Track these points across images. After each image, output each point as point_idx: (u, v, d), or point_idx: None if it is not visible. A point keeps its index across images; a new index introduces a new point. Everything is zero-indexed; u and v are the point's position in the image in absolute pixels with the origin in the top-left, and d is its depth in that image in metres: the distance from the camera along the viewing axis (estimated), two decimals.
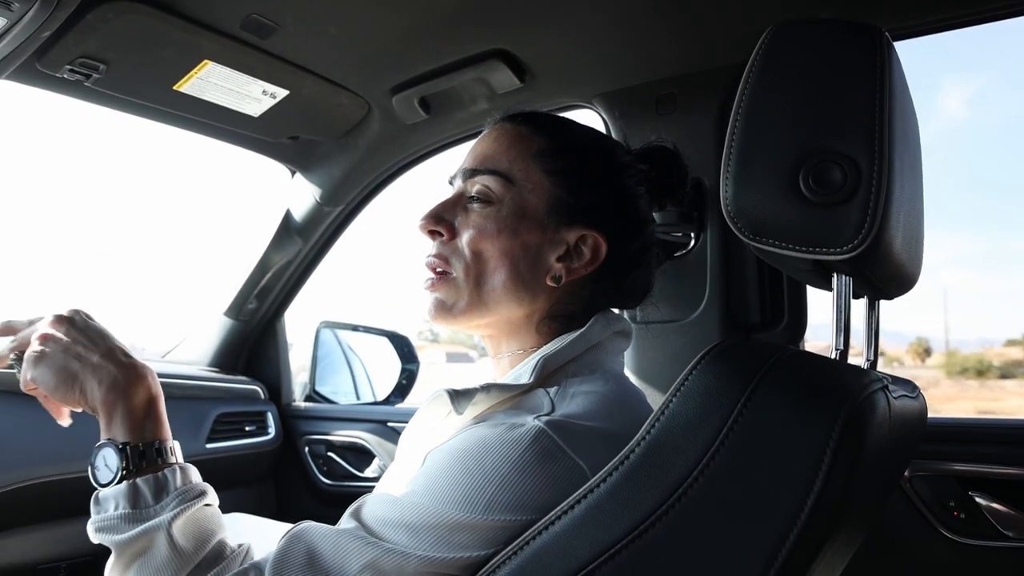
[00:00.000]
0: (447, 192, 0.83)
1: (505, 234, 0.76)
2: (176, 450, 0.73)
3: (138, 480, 0.69)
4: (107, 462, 0.70)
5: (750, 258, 1.19)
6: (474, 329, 0.82)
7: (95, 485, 0.70)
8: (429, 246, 0.81)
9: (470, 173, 0.80)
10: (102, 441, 0.71)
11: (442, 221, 0.80)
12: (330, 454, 1.84)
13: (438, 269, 0.80)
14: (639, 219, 0.82)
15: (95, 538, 0.68)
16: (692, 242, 1.23)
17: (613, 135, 1.30)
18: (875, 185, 0.56)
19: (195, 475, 0.73)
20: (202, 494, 0.71)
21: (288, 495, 1.88)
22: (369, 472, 1.80)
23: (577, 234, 0.78)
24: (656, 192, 0.86)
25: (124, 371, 0.73)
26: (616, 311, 0.83)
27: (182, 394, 1.66)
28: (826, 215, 0.57)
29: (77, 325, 0.76)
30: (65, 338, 0.75)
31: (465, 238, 0.78)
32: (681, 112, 1.23)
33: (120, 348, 0.76)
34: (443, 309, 0.79)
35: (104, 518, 0.68)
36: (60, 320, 0.76)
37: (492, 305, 0.78)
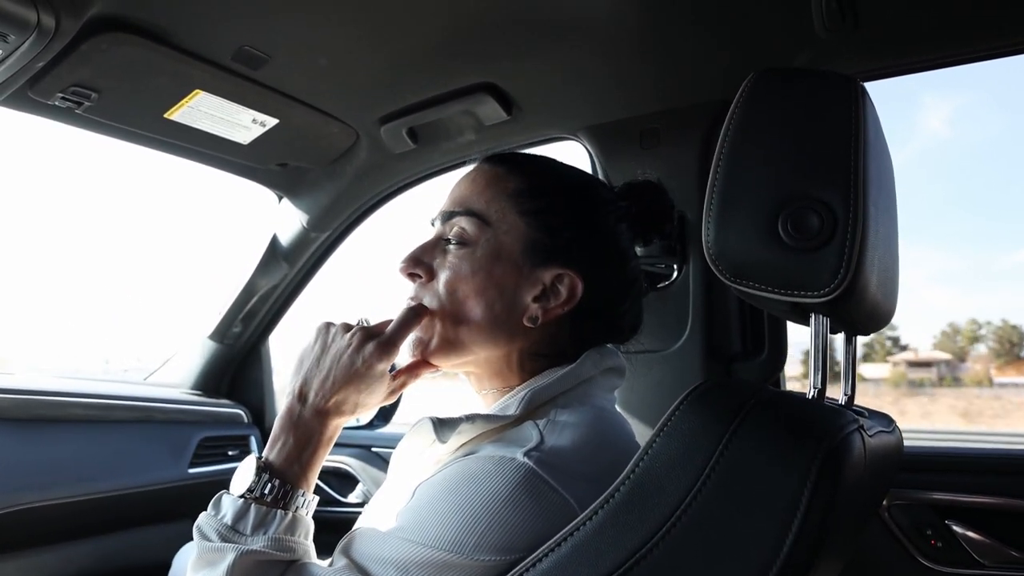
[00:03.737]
0: (428, 233, 0.84)
1: (480, 275, 0.77)
2: (308, 504, 0.76)
3: (253, 505, 0.71)
4: (244, 473, 0.74)
5: (731, 290, 1.21)
6: (456, 368, 0.83)
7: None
8: (408, 288, 0.82)
9: (448, 215, 0.81)
10: (261, 455, 0.76)
11: (420, 263, 0.80)
12: None
13: None
14: (619, 256, 0.83)
15: (195, 530, 0.72)
16: (675, 274, 1.25)
17: (598, 168, 1.32)
18: (851, 230, 0.58)
19: (303, 532, 0.74)
20: (291, 550, 0.71)
21: None
22: (353, 498, 1.79)
23: (553, 274, 0.78)
24: (640, 228, 0.87)
25: (320, 413, 0.76)
26: (610, 347, 0.83)
27: (165, 418, 1.64)
28: (804, 259, 0.58)
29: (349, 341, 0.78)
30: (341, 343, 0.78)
31: (442, 279, 0.79)
32: (665, 146, 1.25)
33: (356, 392, 0.77)
34: (420, 346, 0.80)
35: (208, 519, 0.72)
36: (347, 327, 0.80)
37: (468, 344, 0.78)
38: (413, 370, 0.82)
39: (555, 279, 0.78)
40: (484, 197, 0.80)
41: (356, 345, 0.77)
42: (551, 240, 0.79)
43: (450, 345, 0.79)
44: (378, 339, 0.77)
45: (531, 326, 0.78)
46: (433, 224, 0.85)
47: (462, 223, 0.79)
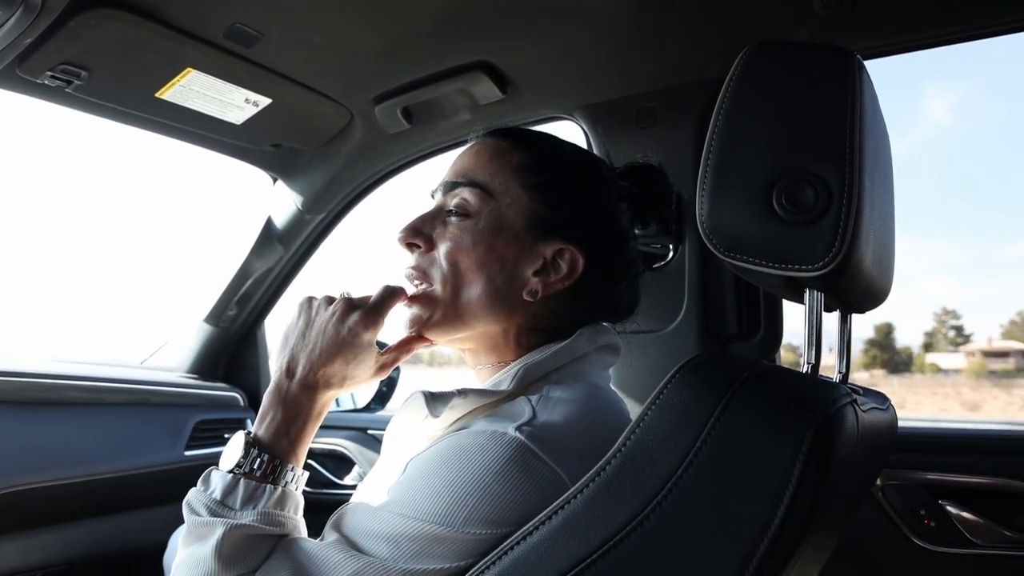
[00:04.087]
0: (428, 205, 0.84)
1: (481, 247, 0.77)
2: (298, 478, 0.75)
3: (242, 480, 0.71)
4: (233, 449, 0.74)
5: (727, 270, 1.21)
6: (452, 343, 0.83)
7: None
8: (408, 258, 0.82)
9: (450, 186, 0.81)
10: (249, 430, 0.76)
11: (420, 233, 0.80)
12: (310, 461, 1.83)
13: (416, 281, 0.80)
14: (619, 234, 0.83)
15: (185, 506, 0.72)
16: (671, 254, 1.25)
17: (594, 147, 1.32)
18: (846, 204, 0.58)
19: (292, 506, 0.74)
20: (280, 524, 0.71)
21: None
22: (349, 480, 1.80)
23: (554, 248, 0.78)
24: (639, 209, 0.87)
25: (307, 387, 0.76)
26: (605, 325, 0.83)
27: (161, 401, 1.64)
28: (798, 233, 0.58)
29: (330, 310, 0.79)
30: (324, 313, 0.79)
31: (442, 250, 0.79)
32: (661, 126, 1.25)
33: (342, 364, 0.77)
34: (419, 322, 0.79)
35: (197, 494, 0.72)
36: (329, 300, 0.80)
37: (468, 318, 0.78)
38: (405, 345, 0.82)
39: (556, 254, 0.78)
40: (488, 169, 0.80)
41: (340, 315, 0.77)
42: (553, 215, 0.79)
43: (450, 319, 0.78)
44: (362, 308, 0.77)
45: (530, 300, 0.78)
46: (433, 196, 0.84)
47: (464, 194, 0.79)
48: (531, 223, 0.78)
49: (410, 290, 0.81)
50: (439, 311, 0.79)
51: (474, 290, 0.77)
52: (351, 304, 0.78)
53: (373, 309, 0.77)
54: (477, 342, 0.81)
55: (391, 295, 0.79)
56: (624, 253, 0.83)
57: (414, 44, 1.18)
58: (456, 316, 0.78)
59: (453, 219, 0.79)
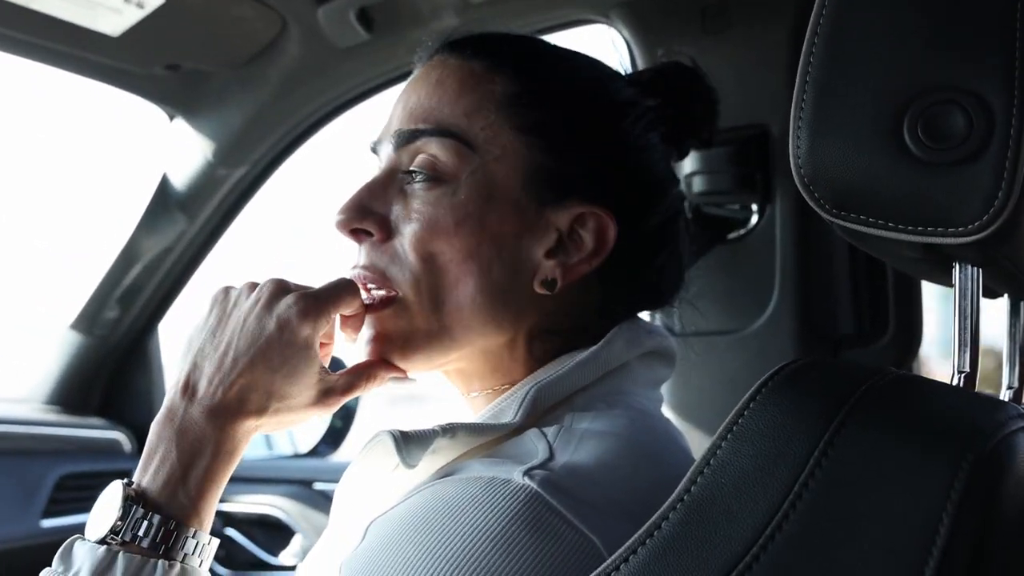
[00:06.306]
0: (373, 167, 0.83)
1: (467, 226, 0.77)
2: (203, 549, 0.74)
3: (121, 554, 0.70)
4: (107, 508, 0.72)
5: (838, 239, 1.20)
6: (435, 369, 0.83)
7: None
8: (355, 253, 0.82)
9: (406, 136, 0.80)
10: (130, 479, 0.75)
11: (369, 214, 0.79)
12: (229, 532, 1.84)
13: (371, 287, 0.79)
14: (657, 181, 0.84)
15: None
16: (754, 218, 1.26)
17: (639, 64, 1.32)
18: (1014, 135, 0.57)
19: None
20: None
21: None
22: (287, 557, 1.82)
23: (572, 214, 0.78)
24: (673, 134, 0.88)
25: (215, 411, 0.75)
26: (650, 322, 0.84)
27: (6, 447, 1.66)
28: (942, 179, 0.58)
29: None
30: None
31: (408, 236, 0.78)
32: (738, 29, 1.25)
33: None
34: (388, 348, 0.79)
35: None
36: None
37: (459, 334, 0.78)
38: (366, 371, 0.81)
39: (575, 221, 0.79)
40: (461, 107, 0.79)
41: (266, 300, 0.76)
42: (563, 166, 0.79)
43: (431, 340, 0.79)
44: (299, 292, 0.77)
45: (546, 293, 0.78)
46: (376, 152, 0.84)
47: (432, 148, 0.78)
48: (533, 181, 0.78)
49: (365, 298, 0.80)
50: (413, 328, 0.78)
51: (463, 292, 0.77)
52: (283, 286, 0.77)
53: (316, 296, 0.77)
54: (470, 362, 0.82)
55: (343, 290, 0.78)
56: (665, 206, 0.84)
57: None
58: (440, 333, 0.78)
59: (417, 187, 0.78)
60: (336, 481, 1.80)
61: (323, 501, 1.84)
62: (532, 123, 0.79)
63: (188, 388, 0.76)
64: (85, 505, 1.74)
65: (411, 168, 0.79)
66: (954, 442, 0.52)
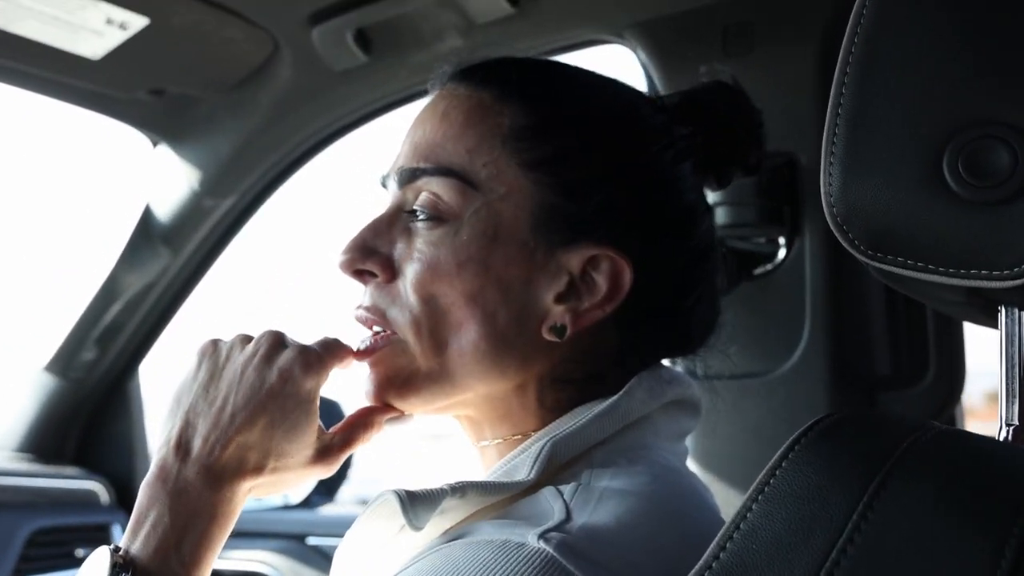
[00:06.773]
0: (381, 202, 0.85)
1: (470, 268, 0.77)
2: None
3: None
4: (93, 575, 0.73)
5: (874, 277, 1.20)
6: (439, 413, 0.84)
7: None
8: (359, 293, 0.83)
9: (408, 174, 0.81)
10: (118, 545, 0.76)
11: (372, 254, 0.81)
12: None
13: (375, 329, 0.81)
14: (685, 215, 0.84)
15: None
16: (782, 252, 1.26)
17: (657, 87, 1.32)
18: None
19: None
20: None
21: None
22: None
23: (583, 256, 0.79)
24: (710, 164, 0.88)
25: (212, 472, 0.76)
26: (673, 369, 0.84)
27: None
28: (985, 219, 0.58)
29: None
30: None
31: (409, 277, 0.79)
32: (762, 50, 1.25)
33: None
34: (390, 390, 0.80)
35: None
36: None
37: (460, 379, 0.79)
38: (364, 419, 0.82)
39: (587, 264, 0.79)
40: (464, 143, 0.80)
41: (265, 352, 0.78)
42: (575, 204, 0.79)
43: (431, 382, 0.79)
44: (298, 346, 0.78)
45: (555, 340, 0.78)
46: (385, 186, 0.85)
47: (433, 186, 0.79)
48: (543, 221, 0.79)
49: (364, 341, 0.82)
50: (413, 368, 0.79)
51: (465, 336, 0.78)
52: (281, 339, 0.79)
53: (316, 350, 0.78)
54: (478, 409, 0.82)
55: (339, 346, 0.80)
56: (693, 245, 0.84)
57: None
58: (440, 376, 0.79)
59: (420, 225, 0.80)
60: (331, 535, 1.81)
61: (317, 557, 1.83)
62: (540, 159, 0.79)
63: (181, 447, 0.77)
64: (59, 562, 1.75)
65: (415, 207, 0.80)
66: (1002, 510, 0.51)
